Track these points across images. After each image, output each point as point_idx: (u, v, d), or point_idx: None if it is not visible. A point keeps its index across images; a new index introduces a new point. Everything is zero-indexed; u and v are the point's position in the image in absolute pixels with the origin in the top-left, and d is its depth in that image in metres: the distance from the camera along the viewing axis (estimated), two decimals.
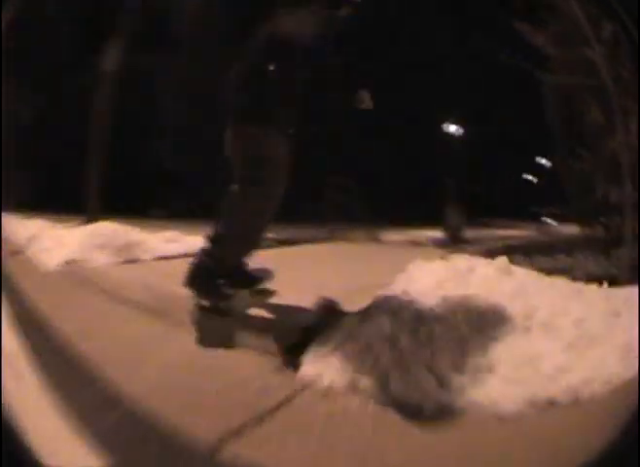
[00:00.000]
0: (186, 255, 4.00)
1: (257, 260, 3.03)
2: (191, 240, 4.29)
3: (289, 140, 2.71)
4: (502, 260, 3.19)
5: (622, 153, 4.92)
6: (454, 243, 15.34)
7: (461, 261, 3.40)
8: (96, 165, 7.10)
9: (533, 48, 5.97)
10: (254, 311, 2.82)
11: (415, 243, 14.76)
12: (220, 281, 2.70)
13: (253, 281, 2.97)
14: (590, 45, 4.99)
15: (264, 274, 3.04)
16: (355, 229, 12.22)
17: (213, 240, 2.67)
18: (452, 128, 23.66)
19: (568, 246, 11.73)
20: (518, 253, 10.47)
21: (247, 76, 2.69)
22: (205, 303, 2.69)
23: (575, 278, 7.41)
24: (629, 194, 4.97)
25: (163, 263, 4.04)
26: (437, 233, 16.36)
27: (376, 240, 12.40)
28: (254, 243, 2.77)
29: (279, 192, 2.70)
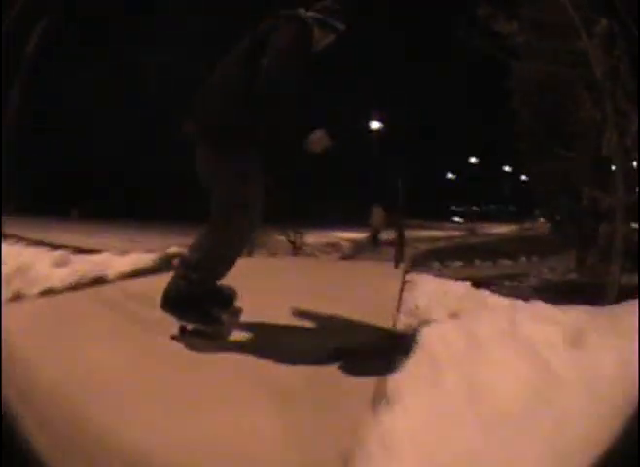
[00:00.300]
0: (72, 287, 3.03)
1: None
2: (79, 262, 3.39)
3: (261, 164, 2.67)
4: (573, 326, 2.08)
5: (617, 155, 4.33)
6: (375, 244, 14.95)
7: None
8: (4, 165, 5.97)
9: (501, 35, 5.31)
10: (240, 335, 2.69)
11: (333, 245, 14.25)
12: (206, 304, 2.63)
13: (229, 300, 2.83)
14: (581, 36, 4.41)
15: (232, 291, 2.87)
16: (274, 231, 11.35)
17: (192, 266, 2.59)
18: (376, 125, 23.38)
19: (507, 250, 11.46)
20: (453, 258, 10.00)
21: (220, 99, 2.61)
22: (192, 326, 2.60)
23: (528, 286, 6.95)
24: (622, 199, 4.41)
25: (46, 303, 2.97)
26: (357, 235, 15.94)
27: (296, 243, 11.56)
28: (232, 264, 2.68)
29: (258, 214, 2.67)
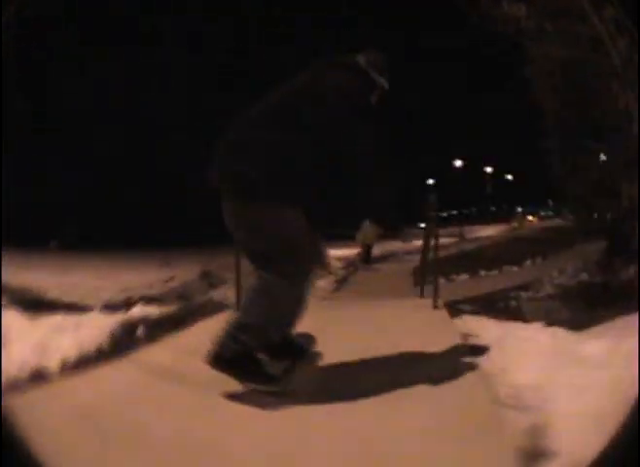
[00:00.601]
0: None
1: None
2: (20, 337, 2.74)
3: (306, 216, 2.52)
4: None
5: None
6: (367, 262, 14.32)
7: None
8: None
9: (509, 20, 4.78)
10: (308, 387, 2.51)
11: (324, 265, 13.54)
12: (261, 358, 2.52)
13: (298, 352, 2.74)
14: (591, 20, 3.93)
15: (307, 341, 2.77)
16: None
17: (241, 327, 2.42)
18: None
19: (508, 254, 10.89)
20: (456, 270, 9.34)
21: (255, 146, 2.44)
22: (249, 385, 2.44)
23: (546, 295, 6.33)
24: None
25: None
26: (347, 251, 15.24)
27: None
28: (290, 323, 2.53)
29: (309, 272, 2.50)
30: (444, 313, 4.10)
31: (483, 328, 3.24)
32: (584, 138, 4.35)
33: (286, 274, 2.38)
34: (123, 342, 3.03)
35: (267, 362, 2.54)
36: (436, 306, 4.40)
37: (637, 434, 1.30)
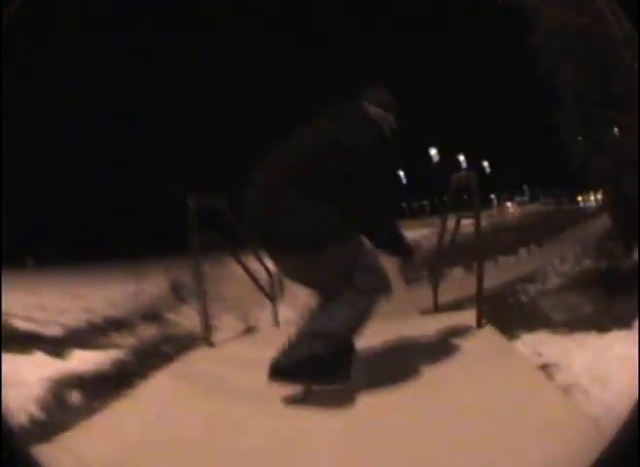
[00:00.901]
0: None
1: None
2: None
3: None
4: None
5: None
6: None
7: None
8: None
9: None
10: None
11: None
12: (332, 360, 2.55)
13: (350, 347, 2.72)
14: None
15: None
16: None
17: (318, 335, 2.51)
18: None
19: (499, 244, 10.39)
20: (448, 264, 8.75)
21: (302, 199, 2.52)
22: (321, 387, 2.60)
23: (557, 287, 5.82)
24: None
25: None
26: None
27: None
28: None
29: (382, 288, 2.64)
30: (495, 335, 3.25)
31: (561, 352, 2.56)
32: (606, 109, 3.83)
33: (363, 291, 2.50)
34: (56, 415, 2.36)
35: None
36: (480, 325, 3.51)
37: (637, 434, 1.28)
